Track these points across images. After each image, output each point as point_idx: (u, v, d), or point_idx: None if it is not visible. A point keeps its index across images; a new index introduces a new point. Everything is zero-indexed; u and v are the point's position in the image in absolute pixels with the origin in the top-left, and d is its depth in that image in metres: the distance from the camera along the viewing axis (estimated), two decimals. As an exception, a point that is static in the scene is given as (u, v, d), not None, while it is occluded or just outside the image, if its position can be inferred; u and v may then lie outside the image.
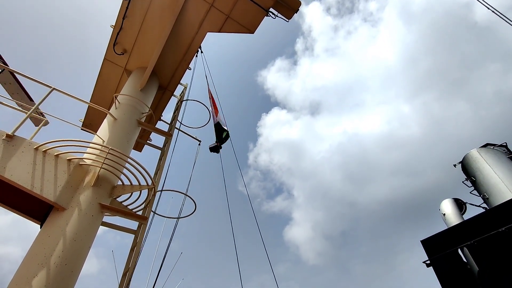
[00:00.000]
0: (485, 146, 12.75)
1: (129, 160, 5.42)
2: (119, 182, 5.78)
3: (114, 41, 7.74)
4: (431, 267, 8.83)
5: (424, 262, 8.94)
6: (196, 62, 9.47)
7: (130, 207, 6.01)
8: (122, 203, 5.96)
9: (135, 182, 5.68)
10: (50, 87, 5.50)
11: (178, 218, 6.80)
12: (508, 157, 11.89)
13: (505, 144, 12.64)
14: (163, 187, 6.83)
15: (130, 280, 5.25)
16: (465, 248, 8.33)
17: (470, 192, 13.13)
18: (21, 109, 5.24)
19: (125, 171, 5.56)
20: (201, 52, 9.68)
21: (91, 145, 5.43)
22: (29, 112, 5.04)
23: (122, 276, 5.35)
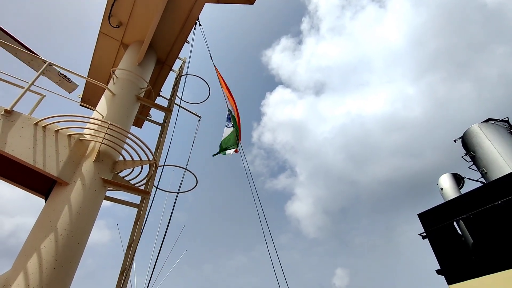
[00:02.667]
0: (486, 121, 12.70)
1: (129, 135, 5.41)
2: (120, 158, 5.82)
3: (109, 13, 7.47)
4: (427, 239, 9.09)
5: (420, 234, 9.20)
6: (195, 36, 9.19)
7: (132, 182, 6.09)
8: (124, 178, 6.04)
9: (136, 158, 5.71)
10: (46, 61, 5.38)
11: (178, 192, 6.90)
12: (509, 132, 11.87)
13: (506, 119, 12.57)
14: (164, 162, 6.87)
15: (134, 252, 5.41)
16: (460, 221, 8.54)
17: (469, 167, 13.24)
18: (19, 84, 5.16)
19: (126, 146, 5.57)
20: (200, 25, 9.35)
21: (90, 120, 5.40)
22: (26, 88, 4.96)
23: (127, 248, 5.52)
